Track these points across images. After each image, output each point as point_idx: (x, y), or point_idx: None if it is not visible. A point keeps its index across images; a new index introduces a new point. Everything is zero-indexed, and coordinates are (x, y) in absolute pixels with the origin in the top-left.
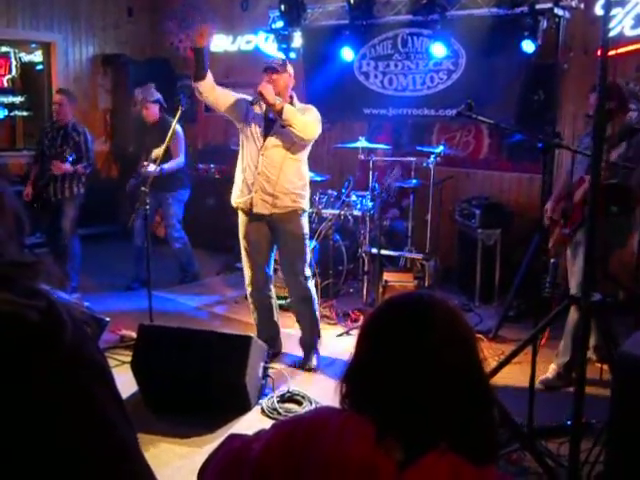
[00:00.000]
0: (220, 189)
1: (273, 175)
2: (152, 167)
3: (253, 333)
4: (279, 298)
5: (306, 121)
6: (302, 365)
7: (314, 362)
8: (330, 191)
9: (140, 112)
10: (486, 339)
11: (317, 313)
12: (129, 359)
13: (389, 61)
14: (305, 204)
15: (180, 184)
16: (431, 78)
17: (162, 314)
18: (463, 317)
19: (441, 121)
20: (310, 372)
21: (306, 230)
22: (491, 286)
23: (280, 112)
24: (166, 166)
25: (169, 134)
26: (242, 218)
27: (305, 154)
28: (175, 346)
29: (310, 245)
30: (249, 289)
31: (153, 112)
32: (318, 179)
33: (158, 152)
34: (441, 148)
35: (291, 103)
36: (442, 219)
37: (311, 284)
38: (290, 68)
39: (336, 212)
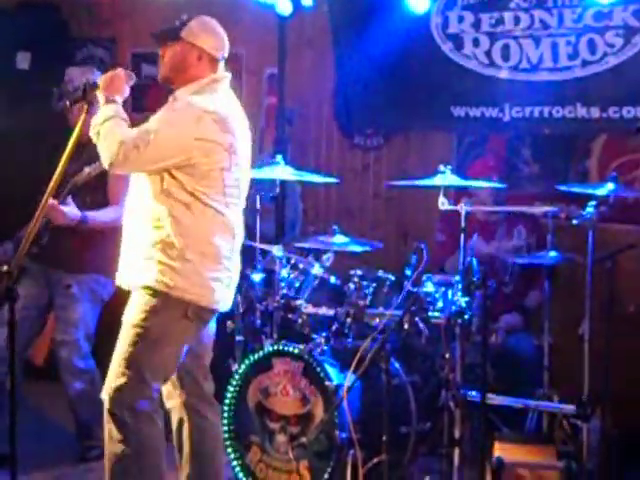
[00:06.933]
0: None
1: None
2: (70, 207)
3: None
4: None
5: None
6: None
7: None
8: (381, 273)
9: (67, 113)
10: None
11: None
12: None
13: (503, 12)
14: (161, 279)
15: (101, 262)
16: (590, 45)
17: None
18: None
19: (610, 131)
20: None
21: (148, 326)
22: None
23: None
24: (98, 215)
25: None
26: None
27: (188, 184)
28: None
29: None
30: None
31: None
32: (357, 249)
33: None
34: (610, 186)
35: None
36: (614, 333)
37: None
38: (194, 33)
39: (394, 314)
